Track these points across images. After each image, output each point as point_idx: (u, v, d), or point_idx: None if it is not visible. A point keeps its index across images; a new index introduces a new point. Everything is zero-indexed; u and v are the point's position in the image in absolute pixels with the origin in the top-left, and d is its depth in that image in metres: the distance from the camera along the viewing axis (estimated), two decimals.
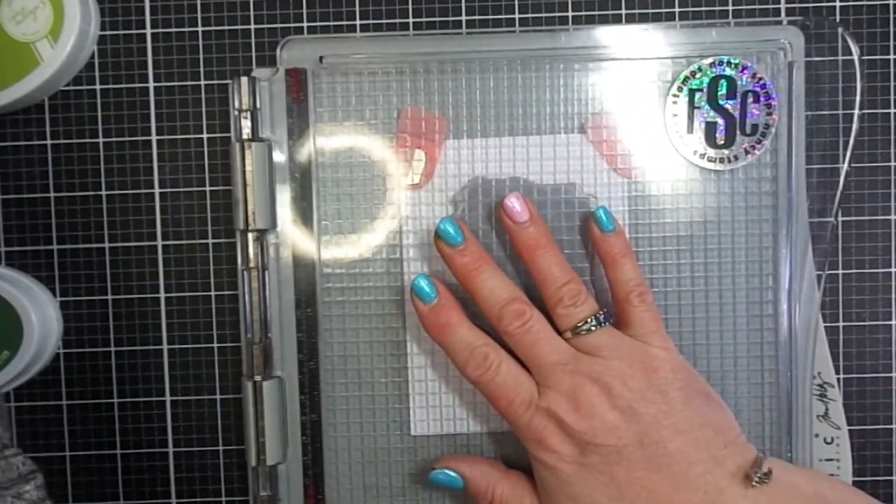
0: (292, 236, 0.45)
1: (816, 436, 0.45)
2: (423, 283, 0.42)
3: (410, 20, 0.45)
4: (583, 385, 0.39)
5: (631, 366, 0.39)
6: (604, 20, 0.45)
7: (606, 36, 0.44)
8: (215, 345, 0.46)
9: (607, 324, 0.41)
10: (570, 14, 0.45)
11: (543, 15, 0.45)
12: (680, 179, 0.44)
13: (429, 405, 0.45)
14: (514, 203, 0.41)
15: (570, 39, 0.44)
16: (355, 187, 0.45)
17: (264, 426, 0.44)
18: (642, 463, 0.38)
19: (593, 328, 0.40)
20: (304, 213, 0.45)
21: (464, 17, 0.45)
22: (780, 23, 0.44)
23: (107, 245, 0.46)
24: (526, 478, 0.43)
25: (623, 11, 0.45)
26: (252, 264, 0.44)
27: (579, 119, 0.45)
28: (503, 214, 0.42)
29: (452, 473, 0.43)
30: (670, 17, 0.45)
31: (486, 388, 0.41)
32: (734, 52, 0.44)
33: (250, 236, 0.44)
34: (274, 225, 0.44)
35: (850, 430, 0.46)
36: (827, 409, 0.46)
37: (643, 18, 0.45)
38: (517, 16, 0.45)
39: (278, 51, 0.44)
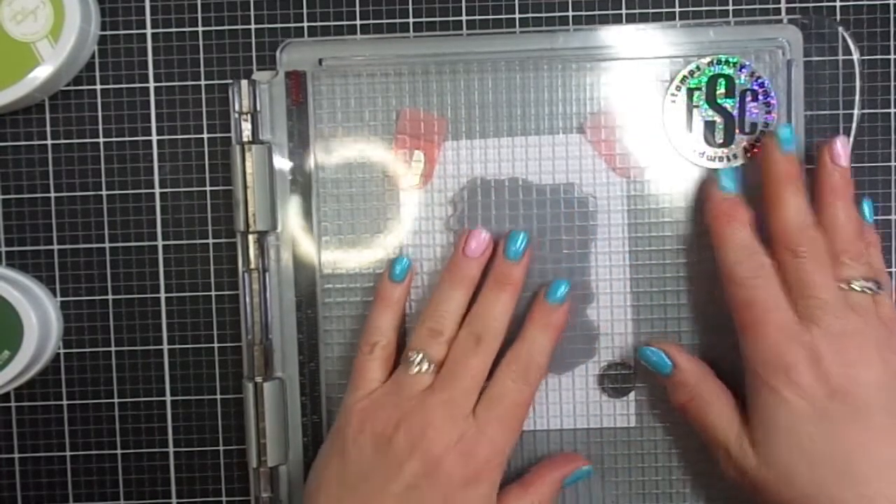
0: (293, 238, 0.45)
1: None
2: (730, 176, 0.42)
3: (410, 21, 0.45)
4: (850, 336, 0.39)
5: (879, 340, 0.40)
6: (603, 20, 0.45)
7: (605, 36, 0.44)
8: (215, 345, 0.46)
9: (877, 292, 0.41)
10: (569, 14, 0.45)
11: (543, 15, 0.45)
12: (679, 178, 0.45)
13: None
14: (840, 147, 0.42)
15: (569, 40, 0.44)
16: (355, 189, 0.45)
17: (265, 427, 0.44)
18: (882, 431, 0.39)
19: (867, 290, 0.40)
20: (305, 215, 0.45)
21: (464, 18, 0.45)
22: (780, 22, 0.44)
23: (107, 245, 0.46)
24: (726, 391, 0.42)
25: (623, 11, 0.45)
26: (253, 266, 0.44)
27: (578, 119, 0.45)
28: (825, 150, 0.42)
29: (665, 358, 0.43)
30: (670, 16, 0.45)
31: (747, 293, 0.41)
32: (732, 50, 0.44)
33: (251, 238, 0.44)
34: (274, 227, 0.44)
35: None
36: None
37: (643, 18, 0.45)
38: (517, 16, 0.45)
39: (278, 54, 0.44)
